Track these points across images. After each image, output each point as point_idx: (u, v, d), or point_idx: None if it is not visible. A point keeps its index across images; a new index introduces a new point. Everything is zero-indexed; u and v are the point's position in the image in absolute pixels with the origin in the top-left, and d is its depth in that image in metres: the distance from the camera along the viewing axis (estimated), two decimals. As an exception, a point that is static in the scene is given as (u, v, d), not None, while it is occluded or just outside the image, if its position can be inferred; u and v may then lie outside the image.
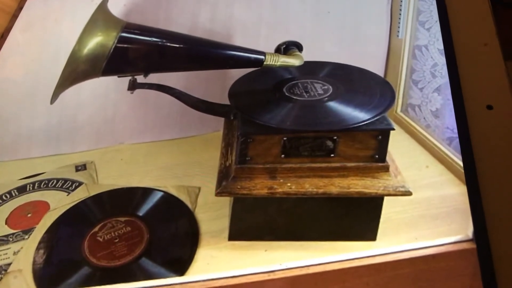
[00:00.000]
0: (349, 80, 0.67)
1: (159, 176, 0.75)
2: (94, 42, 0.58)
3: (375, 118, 0.58)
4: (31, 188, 0.74)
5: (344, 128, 0.58)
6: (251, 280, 0.56)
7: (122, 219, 0.67)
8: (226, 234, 0.63)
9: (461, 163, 0.58)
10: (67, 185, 0.74)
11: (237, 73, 0.70)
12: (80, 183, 0.74)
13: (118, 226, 0.65)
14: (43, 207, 0.70)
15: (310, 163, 0.60)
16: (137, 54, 0.62)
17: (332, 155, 0.59)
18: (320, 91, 0.64)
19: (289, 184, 0.59)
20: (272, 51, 0.66)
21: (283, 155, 0.59)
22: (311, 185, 0.59)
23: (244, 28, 0.85)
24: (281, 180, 0.59)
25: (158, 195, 0.71)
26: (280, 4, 0.86)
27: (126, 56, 0.61)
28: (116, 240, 0.63)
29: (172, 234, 0.65)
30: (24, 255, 0.62)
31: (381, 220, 0.61)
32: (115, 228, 0.65)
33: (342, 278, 0.56)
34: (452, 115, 0.62)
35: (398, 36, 0.85)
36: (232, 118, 0.64)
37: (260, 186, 0.59)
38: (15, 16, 0.88)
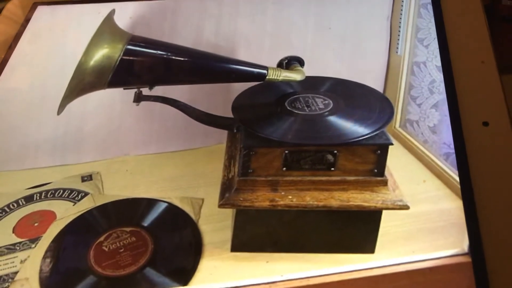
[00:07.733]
0: (349, 95, 0.68)
1: (163, 187, 0.75)
2: (101, 54, 0.59)
3: (375, 133, 0.59)
4: (38, 198, 0.75)
5: (344, 142, 0.59)
6: (253, 290, 0.57)
7: (127, 229, 0.67)
8: (228, 245, 0.64)
9: (457, 178, 0.59)
10: (73, 195, 0.74)
11: (240, 87, 0.71)
12: (86, 194, 0.75)
13: (123, 236, 0.66)
14: (50, 216, 0.71)
15: (311, 176, 0.61)
16: (142, 66, 0.63)
17: (333, 168, 0.60)
18: (321, 106, 0.65)
19: (290, 197, 0.60)
20: (275, 65, 0.67)
21: (284, 168, 0.60)
22: (312, 198, 0.60)
23: (247, 41, 0.87)
24: (283, 193, 0.60)
25: (163, 206, 0.72)
26: (283, 20, 0.87)
27: (132, 69, 0.62)
28: (121, 250, 0.64)
29: (176, 244, 0.65)
30: (31, 263, 0.63)
31: (380, 233, 0.62)
32: (120, 238, 0.66)
33: (341, 290, 0.57)
34: (449, 131, 0.63)
35: (397, 52, 0.86)
36: (235, 131, 0.66)
37: (262, 199, 0.60)
38: (23, 26, 0.89)
